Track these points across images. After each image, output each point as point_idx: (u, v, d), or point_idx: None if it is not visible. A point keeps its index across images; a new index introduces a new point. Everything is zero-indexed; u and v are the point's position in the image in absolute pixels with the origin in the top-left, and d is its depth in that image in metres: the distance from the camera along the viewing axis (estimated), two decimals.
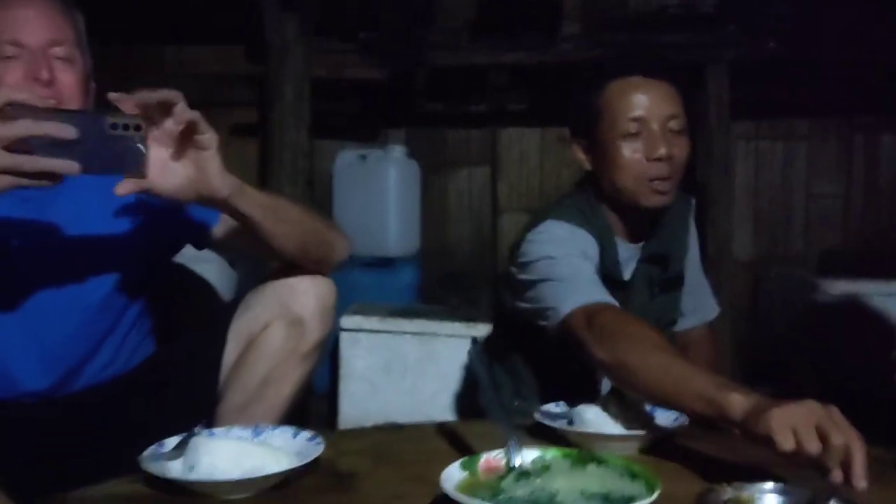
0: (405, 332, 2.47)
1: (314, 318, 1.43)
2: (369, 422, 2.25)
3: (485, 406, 1.06)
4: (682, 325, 1.76)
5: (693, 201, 1.78)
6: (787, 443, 0.94)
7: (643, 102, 1.50)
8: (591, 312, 1.33)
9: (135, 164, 1.06)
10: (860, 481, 0.92)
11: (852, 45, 2.77)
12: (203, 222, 1.44)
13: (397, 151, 3.01)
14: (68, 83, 1.26)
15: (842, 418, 0.97)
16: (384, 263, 2.93)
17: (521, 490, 0.90)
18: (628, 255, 1.61)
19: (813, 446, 0.94)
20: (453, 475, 0.94)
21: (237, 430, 1.21)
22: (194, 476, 1.05)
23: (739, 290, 3.12)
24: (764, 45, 2.70)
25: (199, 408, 1.40)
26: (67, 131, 1.00)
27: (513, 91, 3.08)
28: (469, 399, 2.39)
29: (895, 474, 1.13)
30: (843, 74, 2.87)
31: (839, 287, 2.68)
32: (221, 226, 1.43)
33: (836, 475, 0.93)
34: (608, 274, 1.54)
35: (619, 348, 1.24)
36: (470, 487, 0.92)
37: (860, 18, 2.81)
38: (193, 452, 1.08)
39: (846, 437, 0.94)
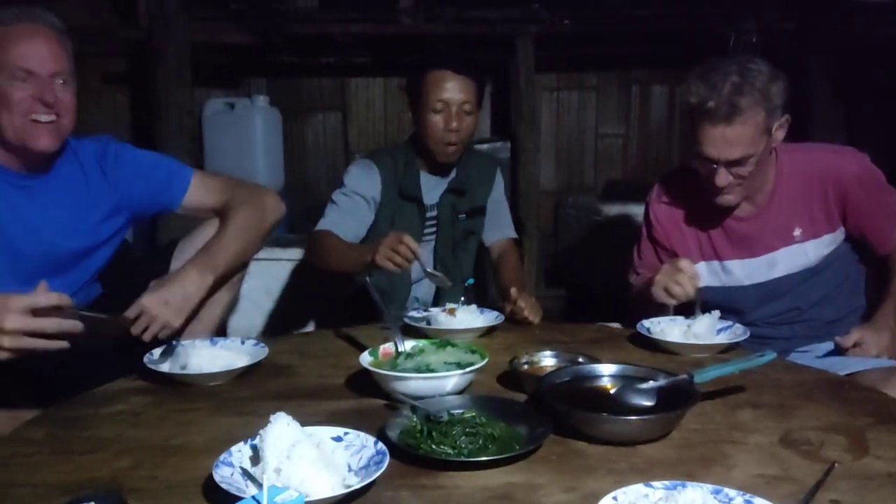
0: (280, 259, 2.95)
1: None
2: (255, 334, 2.75)
3: (380, 314, 1.65)
4: (489, 239, 2.51)
5: (501, 156, 2.54)
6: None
7: (448, 89, 2.20)
8: (316, 233, 2.22)
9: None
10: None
11: (627, 20, 3.45)
12: (175, 194, 1.87)
13: (261, 100, 3.35)
14: (67, 101, 1.64)
15: None
16: None
17: (410, 363, 1.50)
18: (432, 185, 2.34)
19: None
20: (365, 358, 1.52)
21: (199, 342, 1.71)
22: (189, 371, 1.56)
23: (545, 214, 3.79)
24: (560, 21, 3.32)
25: None
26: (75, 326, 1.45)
27: (358, 47, 3.50)
28: (336, 310, 2.94)
29: (623, 345, 1.85)
30: (623, 37, 3.55)
31: (615, 209, 3.46)
32: (189, 196, 1.88)
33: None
34: (410, 194, 2.30)
35: (317, 253, 2.20)
36: (377, 365, 1.50)
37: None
38: (182, 356, 1.59)
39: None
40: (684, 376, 1.36)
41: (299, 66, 3.61)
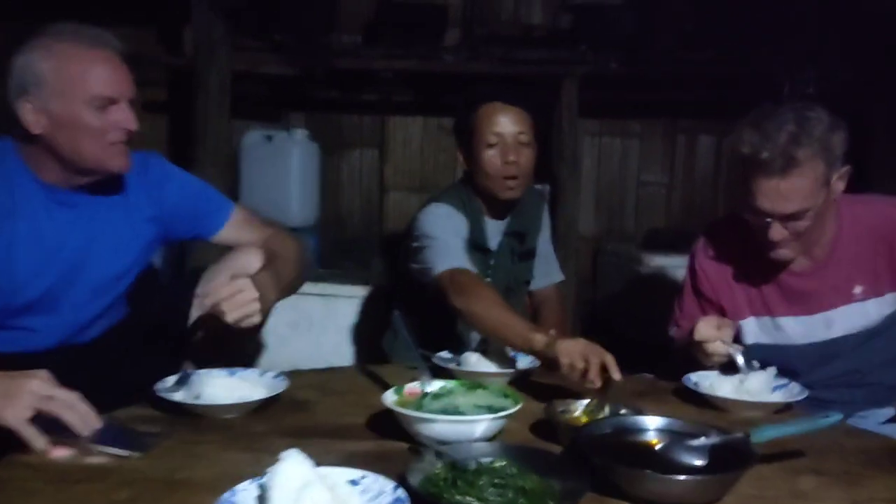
0: (308, 294, 2.88)
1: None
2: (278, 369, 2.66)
3: (408, 352, 1.54)
4: (536, 285, 2.37)
5: (546, 192, 2.40)
6: (565, 362, 1.57)
7: (501, 122, 2.08)
8: (453, 273, 1.88)
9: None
10: (615, 374, 1.54)
11: (678, 64, 3.37)
12: (213, 224, 1.81)
13: (300, 134, 3.32)
14: (133, 118, 1.61)
15: (602, 350, 1.59)
16: None
17: (437, 404, 1.39)
18: (494, 230, 2.19)
19: (580, 363, 1.56)
20: (389, 397, 1.42)
21: (217, 371, 1.62)
22: (201, 401, 1.46)
23: (583, 260, 3.67)
24: (608, 63, 3.25)
25: (174, 354, 1.78)
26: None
27: (399, 84, 3.46)
28: (363, 347, 2.85)
29: (668, 399, 1.72)
30: (669, 85, 3.47)
31: (657, 260, 3.34)
32: (227, 229, 1.82)
33: (595, 381, 1.54)
34: (477, 242, 2.12)
35: (470, 301, 1.81)
36: (401, 405, 1.39)
37: (685, 41, 3.41)
38: (196, 385, 1.50)
39: (602, 357, 1.55)
40: (740, 434, 1.23)
41: (339, 102, 3.59)
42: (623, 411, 1.43)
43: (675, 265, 3.22)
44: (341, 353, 2.76)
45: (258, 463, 1.11)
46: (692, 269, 2.04)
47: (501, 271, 2.20)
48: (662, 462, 1.20)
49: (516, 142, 2.09)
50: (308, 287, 2.87)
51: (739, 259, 1.95)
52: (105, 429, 1.28)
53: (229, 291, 1.49)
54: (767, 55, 3.12)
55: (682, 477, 1.13)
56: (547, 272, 2.38)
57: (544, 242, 2.36)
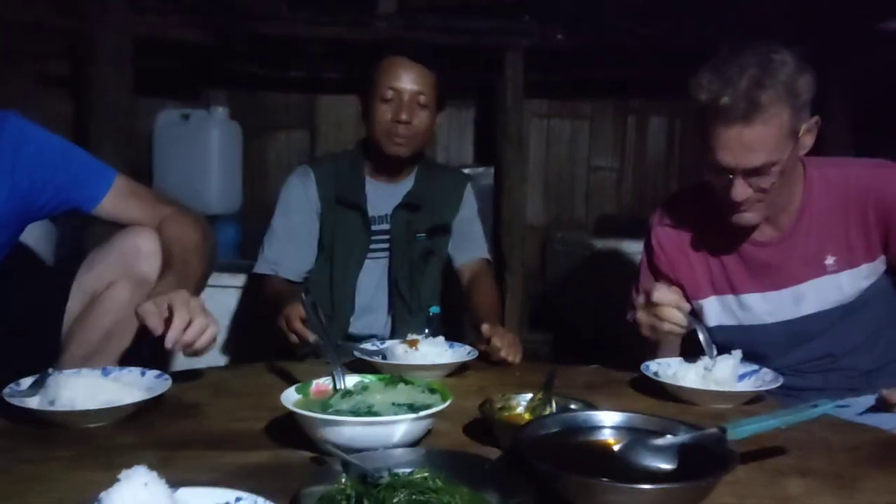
0: (229, 287, 2.59)
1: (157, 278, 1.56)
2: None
3: (317, 342, 1.28)
4: (458, 260, 2.17)
5: (467, 181, 2.24)
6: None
7: (401, 77, 1.95)
8: (264, 283, 2.01)
9: None
10: None
11: (628, 37, 3.17)
12: (90, 194, 1.54)
13: (220, 112, 3.04)
14: None
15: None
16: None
17: (346, 405, 1.13)
18: (381, 194, 2.06)
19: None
20: (290, 396, 1.16)
21: (86, 371, 1.34)
22: (56, 408, 1.18)
23: (531, 251, 3.48)
24: (553, 35, 3.04)
25: (42, 355, 1.50)
26: None
27: (330, 60, 3.21)
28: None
29: (625, 391, 1.50)
30: (619, 62, 3.28)
31: (609, 244, 3.13)
32: (110, 201, 1.55)
33: None
34: (349, 199, 2.03)
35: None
36: (304, 405, 1.14)
37: (635, 13, 3.22)
38: (52, 388, 1.21)
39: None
40: (713, 430, 1.00)
41: (264, 79, 3.32)
42: (573, 406, 1.19)
43: (629, 250, 3.03)
44: (269, 351, 2.48)
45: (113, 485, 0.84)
46: (648, 246, 1.84)
47: (397, 243, 2.06)
48: (622, 467, 0.97)
49: (413, 101, 1.97)
50: (228, 279, 2.61)
51: (699, 232, 1.76)
52: None
53: (179, 329, 1.30)
54: (723, 29, 2.94)
55: (648, 486, 0.89)
56: (468, 247, 2.18)
57: (464, 221, 2.18)
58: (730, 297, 1.73)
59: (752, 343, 1.67)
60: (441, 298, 2.16)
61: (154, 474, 0.79)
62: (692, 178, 2.74)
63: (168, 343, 1.29)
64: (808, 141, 1.59)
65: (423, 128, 2.00)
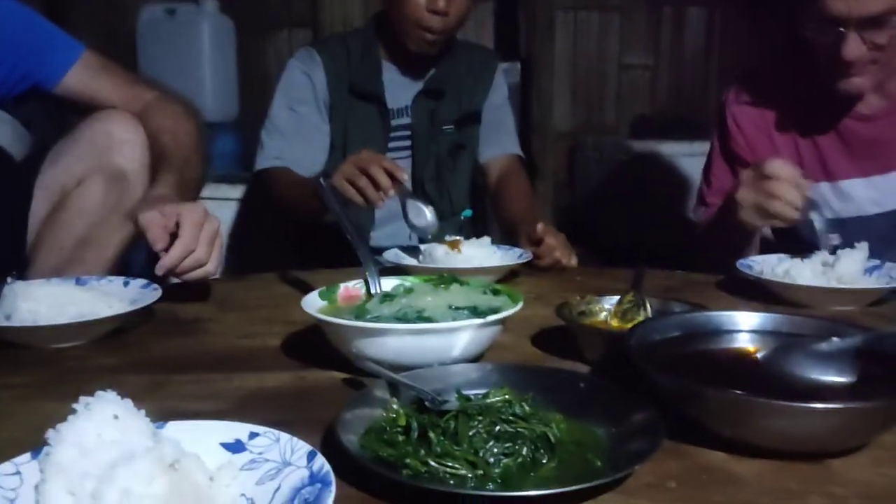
0: (230, 199, 2.33)
1: (139, 172, 1.28)
2: None
3: (346, 232, 1.01)
4: (485, 155, 1.86)
5: (497, 62, 1.90)
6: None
7: None
8: (270, 174, 1.71)
9: None
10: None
11: None
12: (53, 67, 1.29)
13: (209, 5, 2.70)
14: None
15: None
16: None
17: (388, 309, 0.87)
18: (400, 83, 1.76)
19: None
20: (314, 302, 0.89)
21: (56, 280, 1.08)
22: (13, 323, 0.93)
23: (559, 160, 3.18)
24: None
25: (5, 267, 1.24)
26: None
27: None
28: (297, 254, 2.32)
29: (715, 294, 1.24)
30: None
31: (647, 146, 2.83)
32: (75, 75, 1.30)
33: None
34: (364, 89, 1.72)
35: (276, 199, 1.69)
36: (332, 313, 0.87)
37: None
38: (10, 300, 0.96)
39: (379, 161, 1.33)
40: (894, 330, 0.74)
41: None
42: (677, 308, 0.93)
43: (670, 152, 2.74)
44: (275, 263, 2.23)
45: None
46: (721, 126, 1.57)
47: (420, 137, 1.77)
48: (776, 380, 0.71)
49: None
50: (227, 190, 2.34)
51: (786, 108, 1.49)
52: None
53: (178, 258, 1.04)
54: None
55: (828, 405, 0.63)
56: (497, 140, 1.87)
57: (494, 108, 1.86)
58: (824, 185, 1.47)
59: (849, 239, 1.40)
60: (471, 199, 1.88)
61: (128, 402, 0.53)
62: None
63: (158, 269, 1.03)
64: None
65: (460, 19, 1.67)
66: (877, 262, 1.21)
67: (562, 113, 3.22)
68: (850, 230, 1.42)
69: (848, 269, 1.13)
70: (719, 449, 0.65)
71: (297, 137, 1.70)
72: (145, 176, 1.28)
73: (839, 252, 1.17)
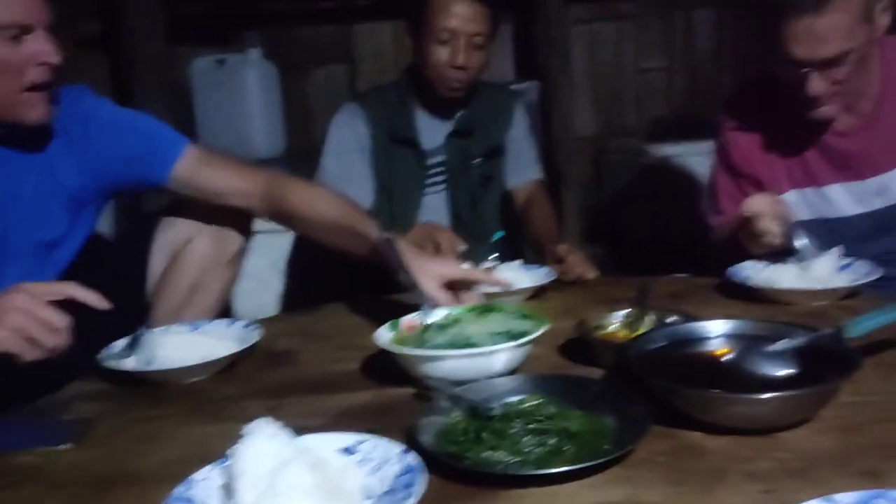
0: (287, 232, 2.57)
1: (234, 230, 1.55)
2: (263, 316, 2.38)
3: (403, 281, 1.26)
4: (510, 182, 2.11)
5: (516, 99, 2.15)
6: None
7: (458, 16, 1.82)
8: None
9: None
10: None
11: None
12: (161, 162, 1.46)
13: (254, 53, 2.95)
14: (55, 49, 1.29)
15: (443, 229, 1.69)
16: None
17: (442, 338, 1.12)
18: (432, 127, 1.98)
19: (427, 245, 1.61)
20: (383, 335, 1.15)
21: (175, 328, 1.35)
22: (155, 367, 1.19)
23: (583, 163, 3.37)
24: None
25: (129, 317, 1.50)
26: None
27: None
28: (350, 284, 2.56)
29: (714, 298, 1.46)
30: None
31: (664, 150, 3.04)
32: (182, 166, 1.46)
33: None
34: (402, 135, 1.96)
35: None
36: (399, 342, 1.13)
37: None
38: (147, 348, 1.22)
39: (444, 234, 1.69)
40: (830, 331, 0.97)
41: (294, 14, 3.19)
42: (671, 319, 1.16)
43: (685, 153, 2.95)
44: (333, 292, 2.47)
45: (230, 435, 0.82)
46: (720, 144, 1.78)
47: (454, 173, 2.00)
48: (739, 377, 0.94)
49: (470, 44, 1.84)
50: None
51: (773, 126, 1.69)
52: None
53: None
54: None
55: (770, 394, 0.86)
56: (520, 169, 2.11)
57: (516, 140, 2.10)
58: (810, 191, 1.67)
59: (832, 236, 1.61)
60: (502, 221, 2.12)
61: (278, 425, 0.78)
62: (744, 70, 2.59)
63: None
64: (883, 21, 1.50)
65: (479, 70, 1.90)
66: (848, 260, 1.42)
67: (584, 119, 3.41)
68: (831, 228, 1.64)
69: (822, 270, 1.35)
70: (696, 430, 0.88)
71: (346, 183, 1.89)
72: (240, 231, 1.56)
73: (819, 256, 1.38)
